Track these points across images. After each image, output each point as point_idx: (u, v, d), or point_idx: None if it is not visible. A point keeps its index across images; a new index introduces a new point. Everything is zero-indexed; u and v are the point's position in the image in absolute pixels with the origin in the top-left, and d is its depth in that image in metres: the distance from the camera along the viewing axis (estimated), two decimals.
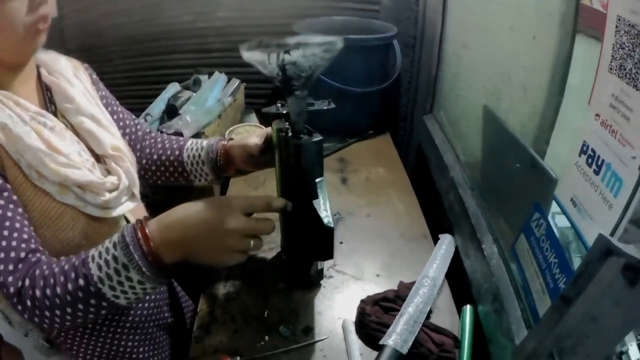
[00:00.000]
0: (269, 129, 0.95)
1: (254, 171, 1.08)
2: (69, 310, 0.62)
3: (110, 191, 0.78)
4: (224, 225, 0.65)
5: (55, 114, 0.78)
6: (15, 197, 0.67)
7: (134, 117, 1.05)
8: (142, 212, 0.95)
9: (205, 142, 1.04)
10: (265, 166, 1.02)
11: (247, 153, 0.97)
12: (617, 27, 0.59)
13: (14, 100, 0.70)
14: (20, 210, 0.67)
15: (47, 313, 0.62)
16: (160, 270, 0.64)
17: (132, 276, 0.62)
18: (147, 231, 0.64)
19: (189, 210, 0.67)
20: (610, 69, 0.62)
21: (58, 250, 0.71)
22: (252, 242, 0.70)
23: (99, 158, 0.82)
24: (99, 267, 0.62)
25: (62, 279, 0.62)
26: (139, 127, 1.06)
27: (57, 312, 0.62)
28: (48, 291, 0.61)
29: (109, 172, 0.82)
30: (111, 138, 0.83)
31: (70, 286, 0.61)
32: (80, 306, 0.62)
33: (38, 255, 0.67)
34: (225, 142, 1.03)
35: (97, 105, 0.85)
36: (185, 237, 0.65)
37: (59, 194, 0.70)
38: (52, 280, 0.62)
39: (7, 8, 0.62)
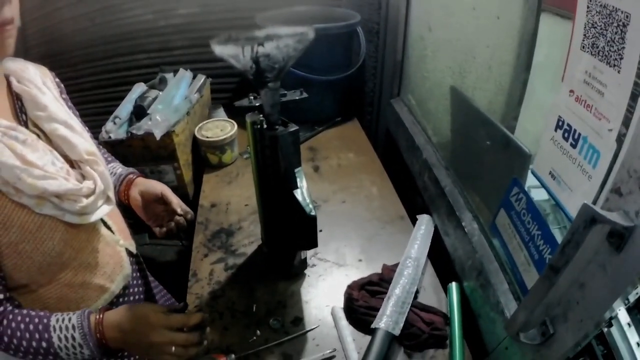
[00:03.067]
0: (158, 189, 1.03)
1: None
2: (30, 357, 0.73)
3: (87, 196, 0.77)
4: (148, 338, 0.77)
5: (26, 123, 0.77)
6: None
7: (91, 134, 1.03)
8: (118, 215, 0.95)
9: (119, 170, 1.05)
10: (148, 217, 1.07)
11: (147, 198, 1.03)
12: (588, 7, 0.61)
13: None
14: None
15: (11, 352, 0.72)
16: (106, 352, 0.78)
17: (84, 351, 0.75)
18: (100, 328, 0.76)
19: (125, 316, 0.78)
20: (583, 47, 0.64)
21: (40, 262, 0.73)
22: (182, 350, 0.80)
23: (73, 164, 0.80)
24: (59, 339, 0.73)
25: (27, 335, 0.71)
26: None
27: (19, 354, 0.73)
28: (15, 341, 0.71)
29: (83, 177, 0.80)
30: (85, 143, 0.81)
31: (34, 344, 0.72)
32: (40, 357, 0.73)
33: (5, 304, 0.73)
34: (133, 177, 1.04)
35: (68, 112, 0.83)
36: (123, 339, 0.77)
37: (37, 206, 0.70)
38: (18, 334, 0.71)
39: None
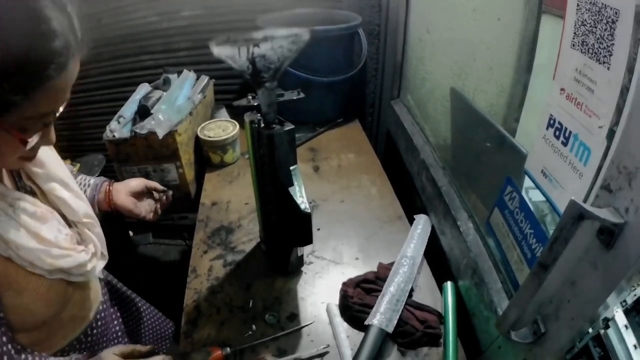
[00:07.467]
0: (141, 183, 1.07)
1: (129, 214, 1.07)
2: None
3: (90, 260, 0.79)
4: None
5: (19, 173, 0.74)
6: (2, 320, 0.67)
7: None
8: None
9: (92, 180, 1.04)
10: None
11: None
12: (578, 4, 0.62)
13: None
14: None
15: None
16: None
17: None
18: None
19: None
20: (573, 45, 0.64)
21: (46, 315, 0.74)
22: None
23: (69, 223, 0.80)
24: None
25: None
26: None
27: None
28: None
29: (80, 235, 0.81)
30: (82, 205, 0.81)
31: None
32: None
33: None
34: (108, 185, 1.04)
35: (60, 163, 0.81)
36: None
37: (49, 274, 0.72)
38: None
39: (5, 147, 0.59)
